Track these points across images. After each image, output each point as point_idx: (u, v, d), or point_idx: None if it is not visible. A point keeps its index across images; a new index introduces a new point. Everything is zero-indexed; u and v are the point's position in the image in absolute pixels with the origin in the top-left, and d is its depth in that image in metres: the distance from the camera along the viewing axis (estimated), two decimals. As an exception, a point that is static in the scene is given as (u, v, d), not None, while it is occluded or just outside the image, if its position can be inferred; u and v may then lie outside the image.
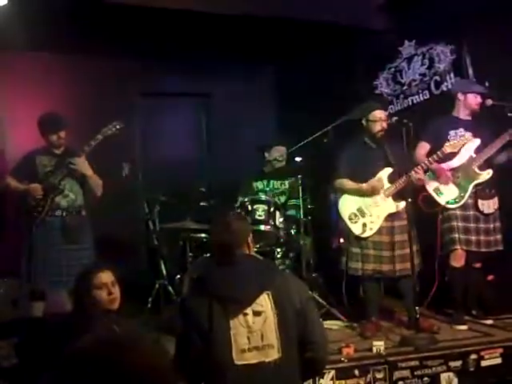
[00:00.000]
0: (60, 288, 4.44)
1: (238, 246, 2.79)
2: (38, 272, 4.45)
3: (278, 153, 5.54)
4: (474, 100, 4.68)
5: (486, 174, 4.58)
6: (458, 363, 4.01)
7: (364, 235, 4.58)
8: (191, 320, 2.64)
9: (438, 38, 5.62)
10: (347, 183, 4.70)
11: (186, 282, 4.94)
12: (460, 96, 4.75)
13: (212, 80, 7.16)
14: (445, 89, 5.55)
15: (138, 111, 6.86)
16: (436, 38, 5.64)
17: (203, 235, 5.30)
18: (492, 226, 4.66)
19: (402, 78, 6.04)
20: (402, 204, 4.47)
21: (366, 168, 4.66)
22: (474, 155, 4.59)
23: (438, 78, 5.67)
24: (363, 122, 4.69)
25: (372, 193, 4.60)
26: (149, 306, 5.35)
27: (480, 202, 4.61)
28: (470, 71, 5.33)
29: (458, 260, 4.63)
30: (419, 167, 4.50)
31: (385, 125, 4.60)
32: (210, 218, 5.12)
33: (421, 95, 5.85)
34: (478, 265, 4.82)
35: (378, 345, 4.01)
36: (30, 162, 4.65)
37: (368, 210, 4.61)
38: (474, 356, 4.05)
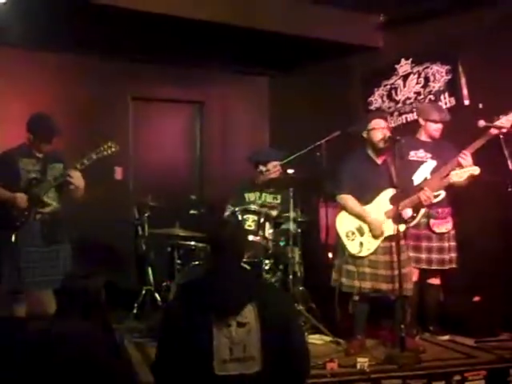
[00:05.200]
0: (43, 287, 4.40)
1: (235, 246, 2.81)
2: (21, 272, 4.40)
3: (273, 167, 5.45)
4: (432, 126, 4.81)
5: (438, 196, 4.60)
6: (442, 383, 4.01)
7: (360, 254, 4.46)
8: (174, 327, 2.63)
9: (435, 57, 5.66)
10: (352, 203, 4.52)
11: (172, 290, 4.92)
12: (421, 121, 4.89)
13: (206, 88, 7.18)
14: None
15: (131, 115, 6.85)
16: (432, 57, 5.68)
17: (192, 243, 5.27)
18: (447, 244, 4.80)
19: (397, 96, 6.07)
20: (402, 227, 4.36)
21: (369, 186, 4.51)
22: (429, 177, 4.67)
23: (432, 97, 5.70)
24: (364, 134, 4.53)
25: (371, 229, 4.48)
26: (134, 311, 5.34)
27: (432, 221, 4.75)
28: (465, 92, 5.37)
29: None
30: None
31: (387, 133, 4.45)
32: (201, 224, 5.12)
33: (415, 113, 5.86)
34: (436, 281, 4.94)
35: (362, 361, 3.99)
36: (12, 163, 4.47)
37: (367, 229, 4.49)
38: (457, 377, 4.03)
